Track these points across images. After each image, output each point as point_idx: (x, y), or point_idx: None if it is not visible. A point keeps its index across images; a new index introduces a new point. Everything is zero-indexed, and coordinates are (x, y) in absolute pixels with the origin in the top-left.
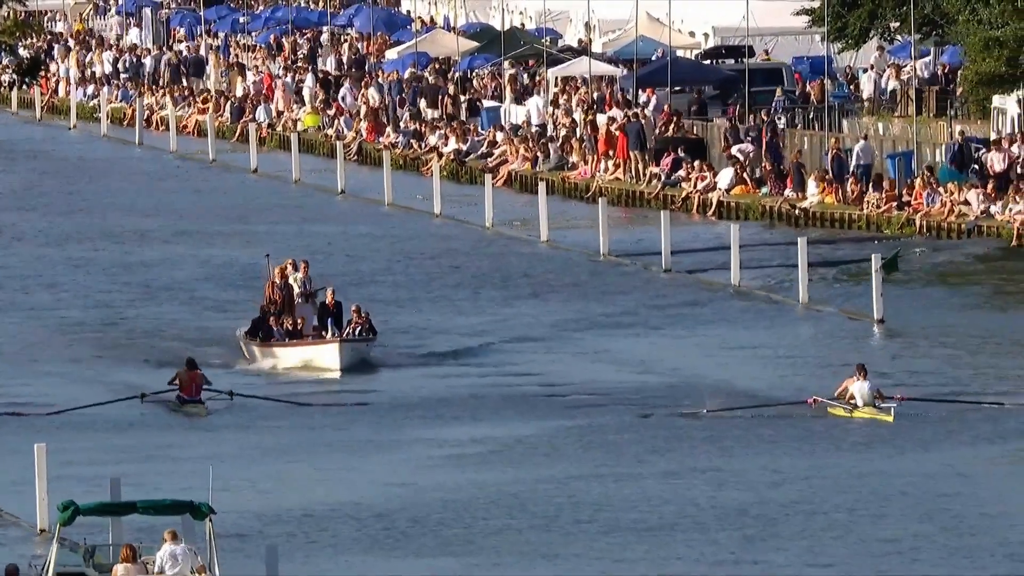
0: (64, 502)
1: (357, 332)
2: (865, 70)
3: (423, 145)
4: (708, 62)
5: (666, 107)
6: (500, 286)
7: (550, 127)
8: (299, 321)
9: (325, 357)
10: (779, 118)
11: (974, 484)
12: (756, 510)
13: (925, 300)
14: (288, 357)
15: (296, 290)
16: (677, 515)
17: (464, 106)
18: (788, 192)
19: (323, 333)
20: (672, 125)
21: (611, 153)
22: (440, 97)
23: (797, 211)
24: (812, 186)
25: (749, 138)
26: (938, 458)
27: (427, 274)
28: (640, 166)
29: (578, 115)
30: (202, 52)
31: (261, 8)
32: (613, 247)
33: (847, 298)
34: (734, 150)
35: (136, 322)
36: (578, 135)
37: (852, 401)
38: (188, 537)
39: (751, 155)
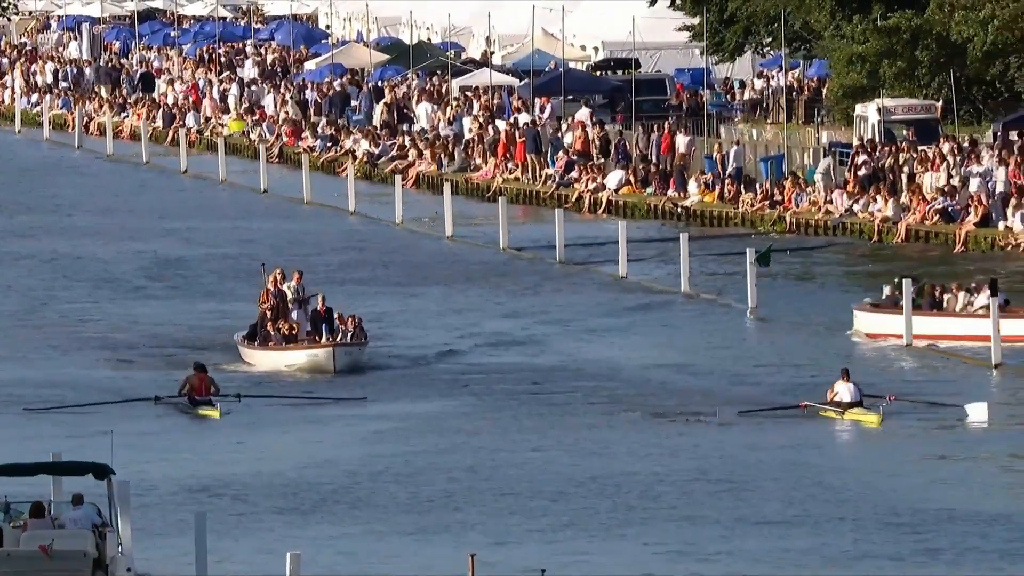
0: None
1: (349, 337)
2: (742, 82)
3: (339, 148)
4: (598, 73)
5: (590, 115)
6: (408, 276)
7: (444, 130)
8: (294, 326)
9: (319, 360)
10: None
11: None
12: (637, 481)
13: (794, 290)
14: (284, 360)
15: (289, 296)
16: (560, 484)
17: (394, 113)
18: (671, 192)
19: (316, 338)
20: None
21: (509, 156)
22: (359, 104)
23: (679, 209)
24: (693, 187)
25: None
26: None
27: (342, 265)
28: (536, 168)
29: (471, 122)
30: (135, 64)
31: (190, 23)
32: (512, 242)
33: (724, 288)
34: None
35: (73, 313)
36: (482, 139)
37: (839, 401)
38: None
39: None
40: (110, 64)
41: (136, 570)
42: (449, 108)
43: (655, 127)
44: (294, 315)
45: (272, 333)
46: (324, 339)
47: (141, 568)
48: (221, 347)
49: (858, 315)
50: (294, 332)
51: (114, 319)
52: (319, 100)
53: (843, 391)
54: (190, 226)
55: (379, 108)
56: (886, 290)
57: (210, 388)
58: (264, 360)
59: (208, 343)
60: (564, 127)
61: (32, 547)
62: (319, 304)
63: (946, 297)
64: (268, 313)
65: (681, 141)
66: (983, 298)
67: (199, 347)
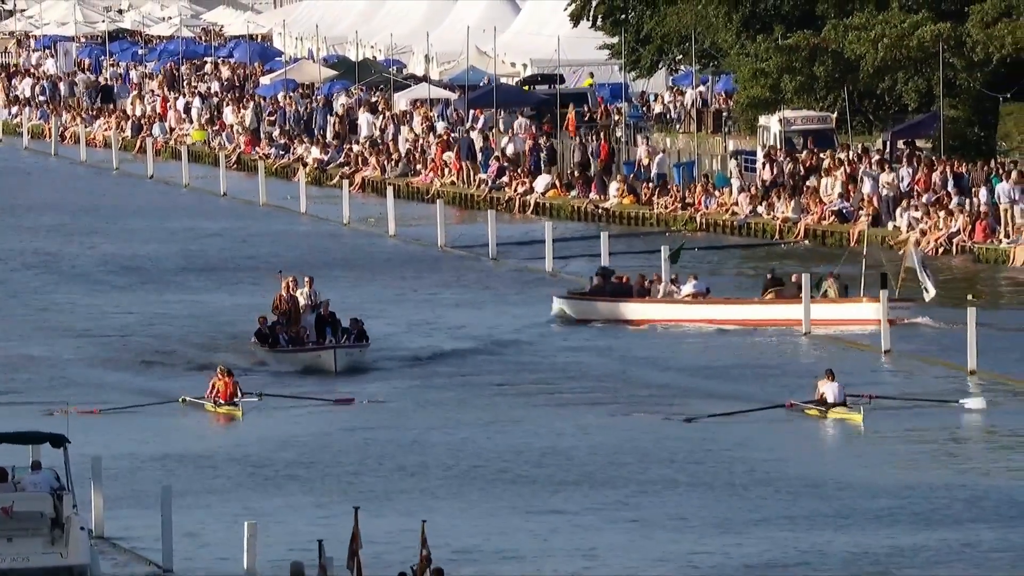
0: None
1: (352, 339)
2: (656, 95)
3: (291, 155)
4: (527, 88)
5: (525, 124)
6: (354, 270)
7: (384, 136)
8: (302, 329)
9: (323, 361)
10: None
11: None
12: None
13: (704, 283)
14: (293, 361)
15: (302, 302)
16: (482, 459)
17: (345, 124)
18: (593, 195)
19: (320, 340)
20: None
21: (447, 162)
22: (311, 117)
23: (600, 211)
24: (613, 190)
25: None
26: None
27: (293, 261)
28: (471, 173)
29: (410, 129)
30: (108, 79)
31: (156, 42)
32: (449, 240)
33: None
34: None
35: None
36: (419, 147)
37: (824, 400)
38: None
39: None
40: (76, 77)
41: (89, 530)
42: (390, 118)
43: (592, 137)
44: (307, 319)
45: (281, 336)
46: (327, 342)
47: (112, 534)
48: (199, 344)
49: (569, 302)
50: (302, 336)
51: (89, 312)
52: (269, 118)
53: (828, 390)
54: (155, 226)
55: (331, 120)
56: (594, 280)
57: (234, 390)
58: (275, 361)
59: (183, 338)
60: (505, 139)
61: None
62: (323, 309)
63: (652, 286)
64: (281, 318)
65: (643, 151)
66: (689, 287)
67: (175, 340)
